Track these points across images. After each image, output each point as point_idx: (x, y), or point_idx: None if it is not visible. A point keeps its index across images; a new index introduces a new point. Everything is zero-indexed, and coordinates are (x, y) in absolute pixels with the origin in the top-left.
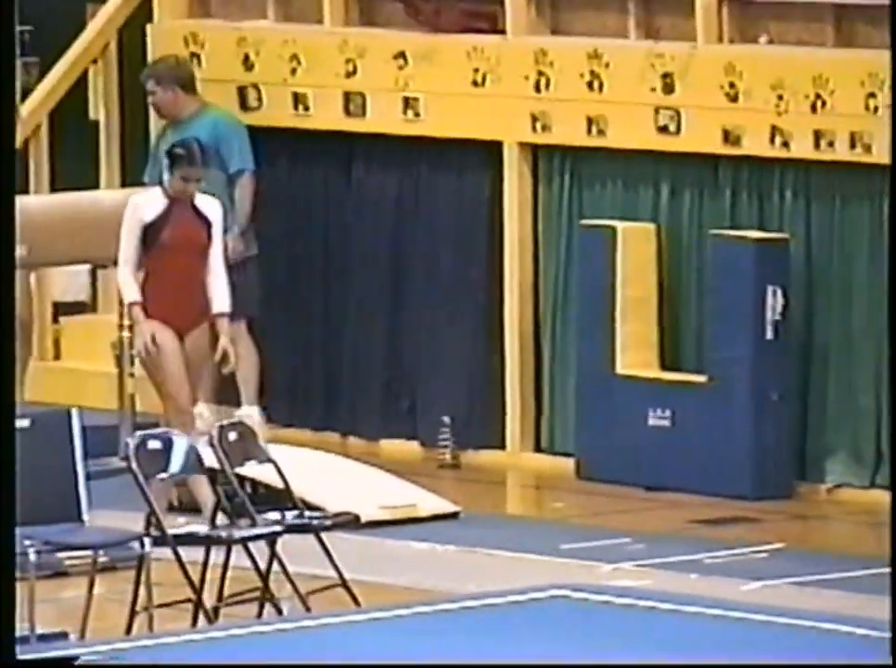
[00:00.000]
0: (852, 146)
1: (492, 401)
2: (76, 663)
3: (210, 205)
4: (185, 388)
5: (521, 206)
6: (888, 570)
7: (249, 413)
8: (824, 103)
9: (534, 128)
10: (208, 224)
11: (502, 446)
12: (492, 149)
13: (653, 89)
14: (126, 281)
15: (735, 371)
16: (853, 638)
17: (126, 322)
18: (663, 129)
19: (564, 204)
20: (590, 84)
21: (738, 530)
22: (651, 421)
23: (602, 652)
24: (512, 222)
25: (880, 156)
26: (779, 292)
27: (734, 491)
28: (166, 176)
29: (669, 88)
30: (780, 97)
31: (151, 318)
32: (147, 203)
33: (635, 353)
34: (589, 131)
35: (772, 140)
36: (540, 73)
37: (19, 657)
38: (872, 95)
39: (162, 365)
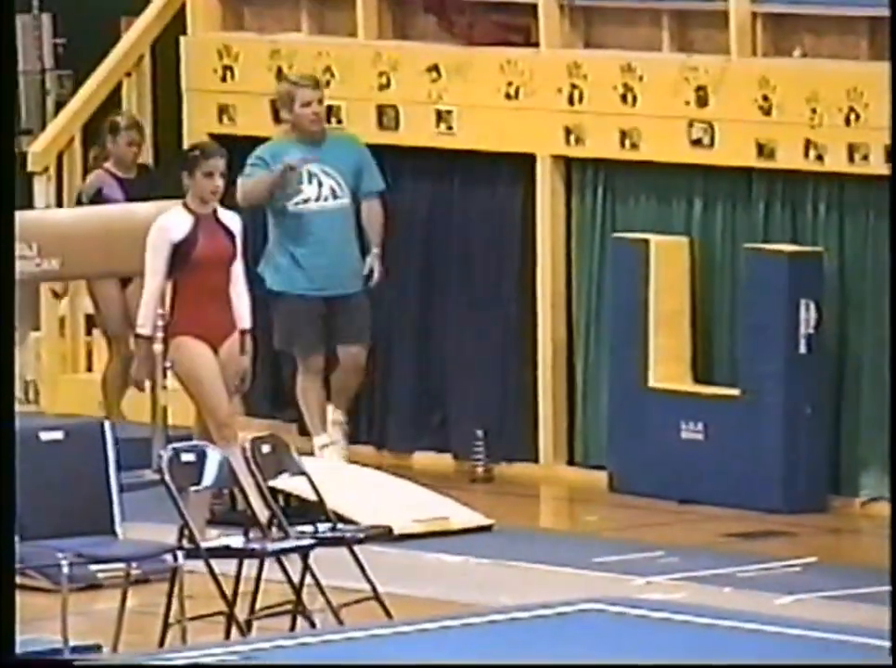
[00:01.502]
0: (887, 159)
1: (525, 414)
2: (74, 664)
3: (231, 218)
4: (225, 401)
5: (554, 219)
6: None
7: (338, 419)
8: (858, 116)
9: (567, 141)
10: (233, 237)
11: (535, 459)
12: (525, 162)
13: (687, 102)
14: (146, 312)
15: (768, 385)
16: (884, 652)
17: (160, 334)
18: (697, 142)
19: (597, 217)
20: (623, 97)
21: (771, 544)
22: (684, 435)
23: (635, 666)
24: (545, 235)
25: (889, 167)
26: (812, 306)
27: (767, 504)
28: (187, 182)
29: (702, 101)
30: (814, 111)
31: (185, 334)
32: (175, 224)
33: (668, 367)
34: (622, 144)
35: (805, 154)
36: (573, 86)
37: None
38: None
39: (201, 379)
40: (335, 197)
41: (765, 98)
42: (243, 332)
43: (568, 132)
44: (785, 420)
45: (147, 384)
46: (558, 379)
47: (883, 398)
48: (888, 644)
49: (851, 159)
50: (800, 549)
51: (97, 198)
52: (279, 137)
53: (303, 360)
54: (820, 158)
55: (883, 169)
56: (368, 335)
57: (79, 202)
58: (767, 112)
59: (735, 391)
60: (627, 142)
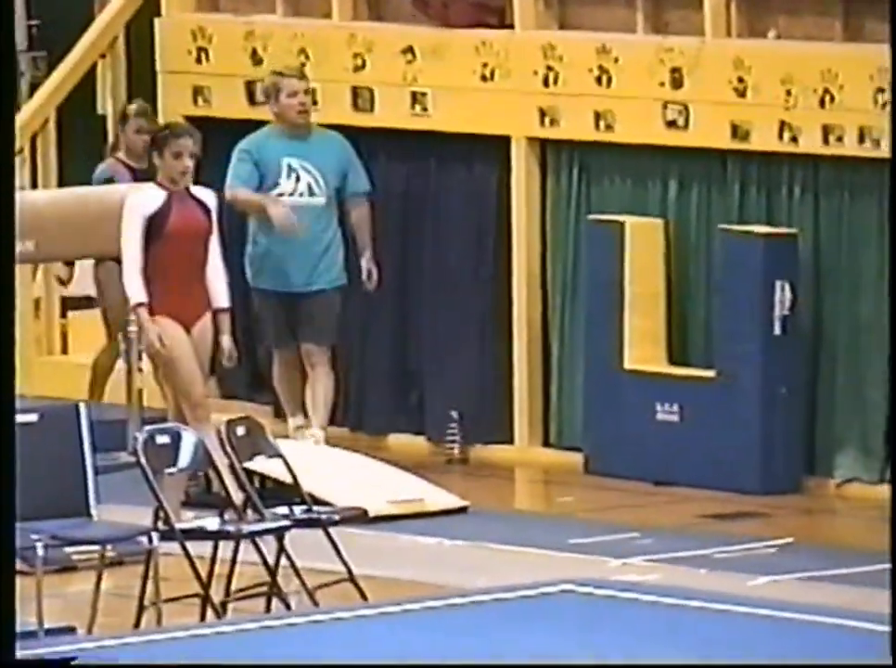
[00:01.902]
0: (861, 140)
1: (500, 396)
2: (73, 663)
3: (206, 194)
4: (199, 382)
5: (529, 201)
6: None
7: (318, 437)
8: (832, 98)
9: (542, 123)
10: (208, 212)
11: (510, 441)
12: (501, 144)
13: (661, 84)
14: (132, 281)
15: (743, 366)
16: (861, 634)
17: (133, 317)
18: (672, 124)
19: (572, 199)
20: (598, 79)
21: (747, 525)
22: (659, 416)
23: (610, 647)
24: (520, 217)
25: (889, 150)
26: (787, 287)
27: (742, 485)
28: (157, 163)
29: (677, 83)
30: (788, 92)
31: (157, 313)
32: (146, 198)
33: (643, 348)
34: (597, 126)
35: (780, 135)
36: (548, 68)
37: (19, 656)
38: (881, 90)
39: (174, 361)
40: (311, 194)
41: (740, 80)
42: (221, 310)
43: (542, 113)
44: (760, 401)
45: (162, 348)
46: (534, 361)
47: (858, 379)
48: (864, 625)
49: (825, 140)
50: (775, 530)
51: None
52: (265, 128)
53: (276, 351)
54: (795, 139)
55: (857, 150)
56: (331, 336)
57: None
58: (742, 94)
59: (710, 373)
60: (602, 124)
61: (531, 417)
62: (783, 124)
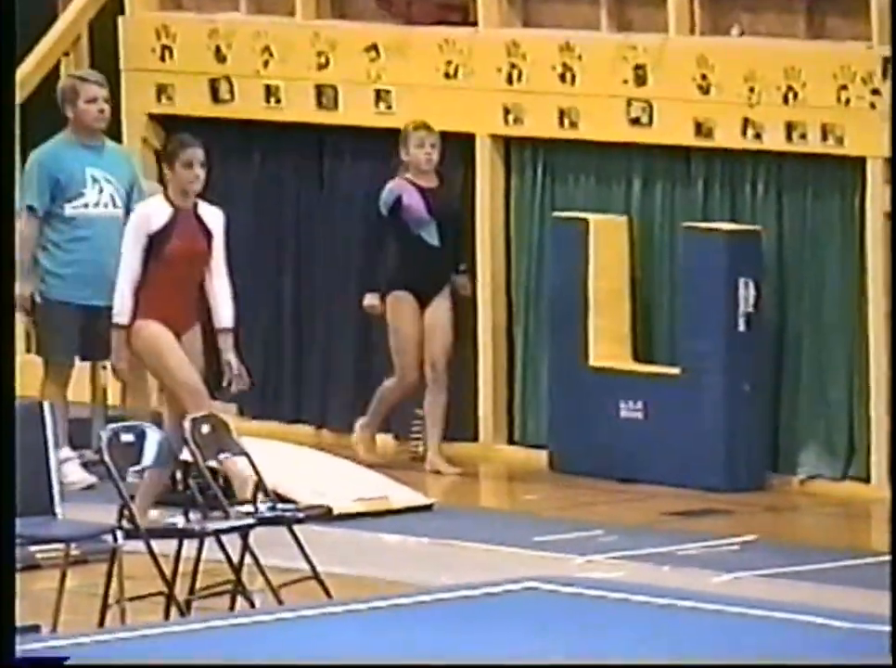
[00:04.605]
0: (824, 138)
1: (465, 393)
2: (66, 664)
3: (212, 215)
4: (192, 369)
5: (493, 198)
6: (859, 562)
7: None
8: (796, 95)
9: (506, 120)
10: (209, 235)
11: (475, 439)
12: (465, 142)
13: (625, 81)
14: (122, 298)
15: (707, 363)
16: (826, 630)
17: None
18: (635, 121)
19: (536, 197)
20: (562, 77)
21: (711, 522)
22: (624, 413)
23: (575, 645)
24: (484, 214)
25: (852, 148)
26: (751, 284)
27: (706, 483)
28: (167, 175)
29: (641, 80)
30: (752, 89)
31: (147, 318)
32: (154, 212)
33: (608, 346)
34: (561, 123)
35: (744, 132)
36: (512, 66)
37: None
38: (844, 87)
39: (163, 353)
40: (114, 205)
41: (704, 77)
42: (225, 330)
43: (506, 111)
44: (724, 399)
45: (127, 373)
46: (498, 359)
47: (822, 376)
48: (831, 622)
49: (789, 137)
50: (739, 527)
51: (396, 205)
52: (59, 138)
53: (50, 366)
54: (759, 136)
55: (821, 147)
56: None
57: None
58: (706, 91)
59: (674, 370)
60: (566, 121)
61: (496, 415)
62: (746, 121)
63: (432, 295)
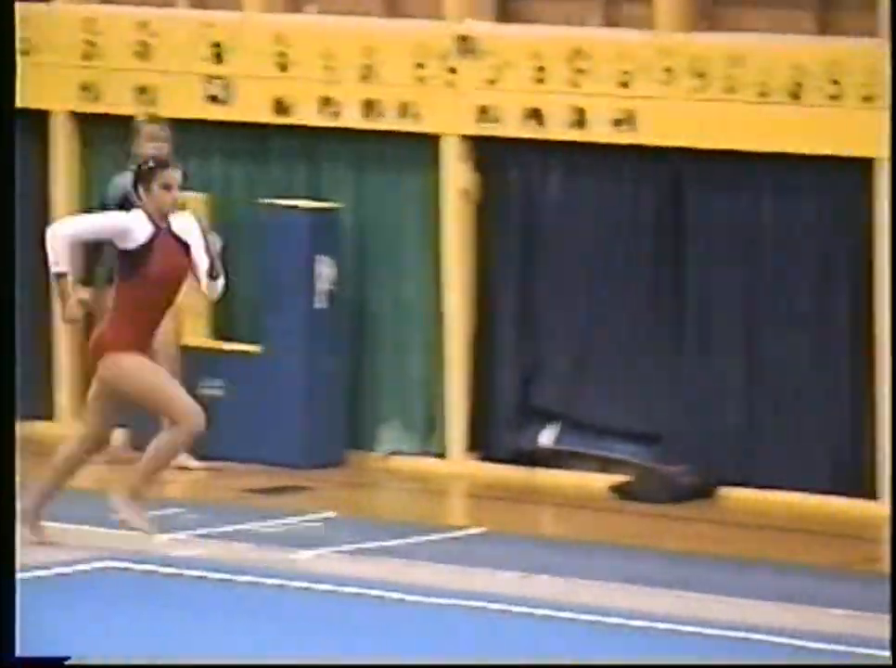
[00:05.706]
0: (402, 115)
1: None
2: (66, 664)
3: (185, 224)
4: (185, 393)
5: (70, 178)
6: (438, 536)
7: None
8: (373, 73)
9: (82, 98)
10: (187, 249)
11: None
12: (39, 119)
13: (203, 59)
14: (60, 246)
15: (287, 341)
16: (406, 606)
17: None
18: (213, 99)
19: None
20: (139, 53)
21: (292, 499)
22: (203, 391)
23: (152, 622)
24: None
25: (428, 125)
26: (330, 262)
27: (287, 460)
28: (143, 196)
29: (219, 58)
30: (329, 67)
31: (118, 350)
32: (137, 229)
33: (187, 323)
34: (140, 100)
35: (322, 110)
36: (87, 42)
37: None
38: (420, 65)
39: (154, 385)
40: None
41: (281, 55)
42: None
43: (84, 88)
44: (304, 376)
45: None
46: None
47: (401, 354)
48: (408, 597)
49: (367, 115)
50: (318, 504)
51: None
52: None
53: None
54: (336, 114)
55: (397, 125)
56: None
57: None
58: (284, 68)
59: (255, 348)
60: (145, 98)
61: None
62: (325, 99)
63: None
